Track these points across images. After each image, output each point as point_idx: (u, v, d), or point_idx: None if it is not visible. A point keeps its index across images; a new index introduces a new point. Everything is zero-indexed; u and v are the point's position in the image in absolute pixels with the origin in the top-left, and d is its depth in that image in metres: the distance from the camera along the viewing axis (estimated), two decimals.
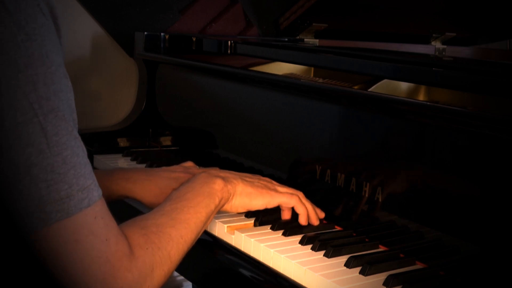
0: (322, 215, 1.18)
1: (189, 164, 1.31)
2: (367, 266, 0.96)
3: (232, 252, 1.10)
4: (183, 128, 1.71)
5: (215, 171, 1.14)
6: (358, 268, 0.97)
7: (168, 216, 0.97)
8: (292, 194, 1.15)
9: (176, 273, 2.10)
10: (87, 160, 0.83)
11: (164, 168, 1.27)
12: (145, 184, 1.22)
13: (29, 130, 0.76)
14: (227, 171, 1.15)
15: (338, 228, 1.16)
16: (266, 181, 1.18)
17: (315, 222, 1.15)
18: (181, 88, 1.71)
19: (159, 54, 1.77)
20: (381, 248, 1.07)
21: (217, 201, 1.06)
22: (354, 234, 1.12)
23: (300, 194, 1.17)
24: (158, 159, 1.59)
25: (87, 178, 0.82)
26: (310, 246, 1.06)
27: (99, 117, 1.86)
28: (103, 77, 1.86)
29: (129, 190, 1.22)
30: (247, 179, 1.15)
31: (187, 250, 0.96)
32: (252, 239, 1.08)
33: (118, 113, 1.86)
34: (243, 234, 1.10)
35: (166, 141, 1.75)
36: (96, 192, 0.83)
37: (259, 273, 1.03)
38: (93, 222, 0.82)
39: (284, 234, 1.11)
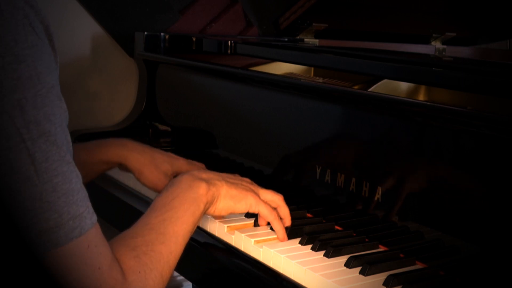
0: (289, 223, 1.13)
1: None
2: (367, 266, 0.96)
3: (232, 252, 1.09)
4: (183, 128, 1.71)
5: (197, 172, 1.08)
6: (358, 268, 0.97)
7: (157, 231, 0.93)
8: (271, 211, 1.10)
9: (176, 273, 2.09)
10: (81, 186, 0.79)
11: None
12: (141, 155, 1.25)
13: (15, 156, 0.72)
14: (210, 171, 1.11)
15: (338, 228, 1.16)
16: (248, 182, 1.13)
17: (284, 238, 1.09)
18: (181, 88, 1.71)
19: (159, 54, 1.77)
20: (381, 248, 1.07)
21: (202, 207, 1.02)
22: (354, 234, 1.12)
23: (281, 198, 1.13)
24: None
25: (80, 206, 0.78)
26: (310, 246, 1.06)
27: (99, 117, 1.86)
28: (103, 77, 1.86)
29: (124, 157, 1.25)
30: (231, 180, 1.10)
31: (175, 264, 0.94)
32: (252, 239, 1.08)
33: (118, 113, 1.86)
34: (243, 234, 1.10)
35: (166, 141, 1.75)
36: (89, 220, 0.79)
37: (259, 273, 1.03)
38: (85, 251, 0.78)
39: None
